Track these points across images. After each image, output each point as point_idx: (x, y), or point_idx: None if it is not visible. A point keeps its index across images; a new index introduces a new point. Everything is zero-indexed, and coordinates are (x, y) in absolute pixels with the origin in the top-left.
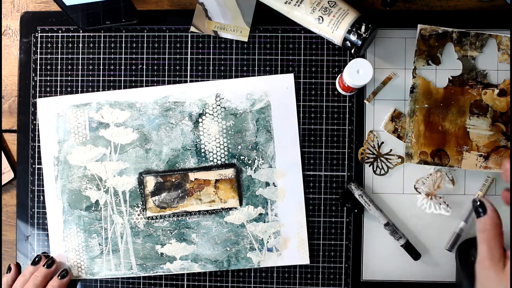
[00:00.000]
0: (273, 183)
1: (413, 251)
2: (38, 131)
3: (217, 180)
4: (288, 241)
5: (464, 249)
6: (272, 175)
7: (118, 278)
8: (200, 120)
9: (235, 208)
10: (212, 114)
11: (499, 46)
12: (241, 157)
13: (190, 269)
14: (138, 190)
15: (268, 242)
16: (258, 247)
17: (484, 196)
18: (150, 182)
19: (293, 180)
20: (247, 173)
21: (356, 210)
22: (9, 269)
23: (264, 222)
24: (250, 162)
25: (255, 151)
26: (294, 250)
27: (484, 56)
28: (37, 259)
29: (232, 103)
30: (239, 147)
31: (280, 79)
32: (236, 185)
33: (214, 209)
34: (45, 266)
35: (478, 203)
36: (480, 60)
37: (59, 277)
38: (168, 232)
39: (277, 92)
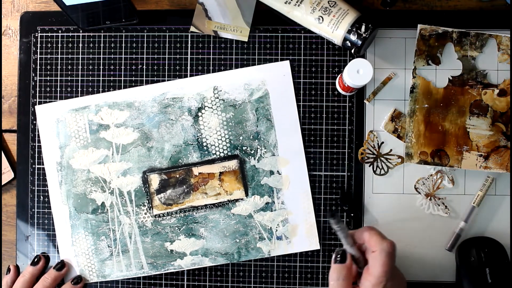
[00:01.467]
0: (277, 171)
1: None
2: (38, 131)
3: (221, 173)
4: (296, 228)
5: (464, 249)
6: (276, 163)
7: (119, 278)
8: (199, 114)
9: (241, 199)
10: (211, 107)
11: (499, 46)
12: (244, 148)
13: (201, 264)
14: (143, 189)
15: (277, 230)
16: (268, 236)
17: (483, 197)
18: (155, 180)
19: (297, 166)
20: (250, 163)
21: (352, 214)
22: (9, 270)
23: (272, 211)
24: (252, 152)
25: (257, 140)
26: (303, 237)
27: (484, 56)
28: (36, 259)
29: (230, 94)
30: (241, 138)
31: (277, 67)
32: (241, 176)
33: (220, 202)
34: (56, 269)
35: (340, 252)
36: (480, 60)
37: (73, 282)
38: (176, 228)
39: (275, 80)
